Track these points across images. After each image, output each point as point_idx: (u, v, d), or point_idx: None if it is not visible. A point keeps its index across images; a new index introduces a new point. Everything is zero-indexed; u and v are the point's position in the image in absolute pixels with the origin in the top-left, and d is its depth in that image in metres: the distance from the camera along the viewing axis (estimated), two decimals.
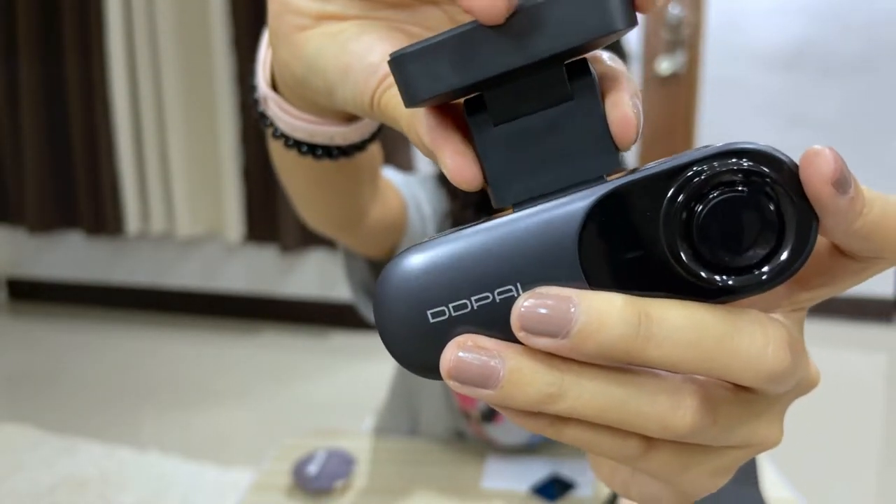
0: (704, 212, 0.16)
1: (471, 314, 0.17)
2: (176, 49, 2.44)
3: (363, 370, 2.20)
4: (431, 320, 0.17)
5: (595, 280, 0.17)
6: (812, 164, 0.15)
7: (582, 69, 0.18)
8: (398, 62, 0.18)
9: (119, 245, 2.84)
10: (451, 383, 0.17)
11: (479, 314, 0.17)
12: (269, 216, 2.50)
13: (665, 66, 2.44)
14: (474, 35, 0.17)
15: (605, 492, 0.69)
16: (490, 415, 0.75)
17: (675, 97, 2.47)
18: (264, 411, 2.00)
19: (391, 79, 0.22)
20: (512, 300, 0.17)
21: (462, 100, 0.19)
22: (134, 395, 2.12)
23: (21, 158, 2.73)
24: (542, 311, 0.16)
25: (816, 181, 0.15)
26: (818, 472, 1.62)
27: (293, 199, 0.50)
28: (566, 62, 0.18)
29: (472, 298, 0.17)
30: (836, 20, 2.40)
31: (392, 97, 0.23)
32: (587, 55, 0.19)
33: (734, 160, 0.16)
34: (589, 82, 0.18)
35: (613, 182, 0.17)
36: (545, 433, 0.18)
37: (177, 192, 2.54)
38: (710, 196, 0.16)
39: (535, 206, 0.17)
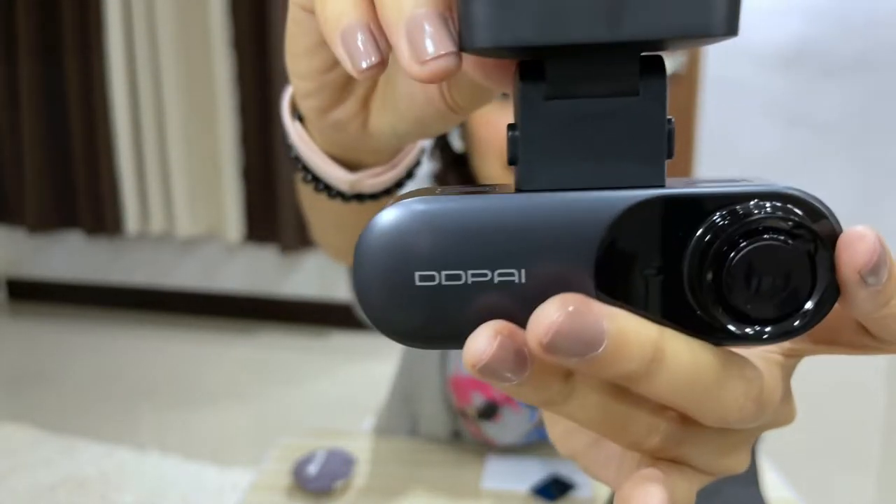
0: (743, 252, 0.15)
1: (462, 288, 0.16)
2: (176, 49, 2.44)
3: (363, 370, 2.20)
4: (417, 282, 0.16)
5: (603, 285, 0.16)
6: (850, 246, 0.15)
7: (657, 66, 0.17)
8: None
9: (118, 245, 2.84)
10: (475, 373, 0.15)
11: (471, 291, 0.16)
12: (268, 216, 2.50)
13: (665, 65, 2.43)
14: None
15: (604, 492, 0.69)
16: (486, 413, 0.75)
17: (674, 97, 2.47)
18: (264, 411, 2.00)
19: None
20: (510, 285, 0.16)
21: (517, 61, 0.17)
22: (134, 395, 2.12)
23: (20, 158, 2.73)
24: (575, 329, 0.14)
25: (846, 265, 0.15)
26: (818, 472, 1.62)
27: (320, 238, 0.52)
28: (644, 53, 0.16)
29: (469, 272, 0.16)
30: (837, 20, 2.40)
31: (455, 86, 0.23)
32: (664, 52, 0.17)
33: (787, 206, 0.15)
34: (659, 83, 0.16)
35: (659, 190, 0.16)
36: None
37: (176, 192, 2.54)
38: (755, 237, 0.15)
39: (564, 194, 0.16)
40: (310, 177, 0.33)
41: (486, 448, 0.78)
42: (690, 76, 2.45)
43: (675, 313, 0.16)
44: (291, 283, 2.67)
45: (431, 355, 0.78)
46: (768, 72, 2.47)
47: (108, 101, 2.54)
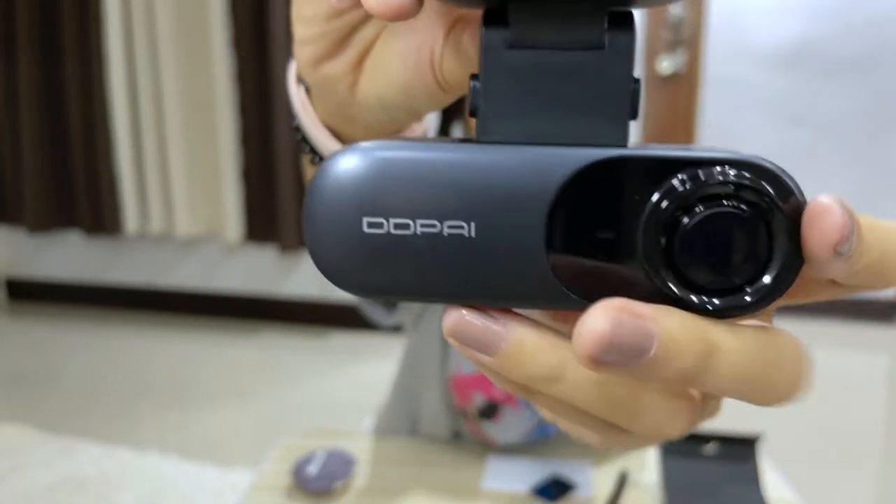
0: (699, 218, 0.14)
1: (410, 239, 0.15)
2: (175, 49, 2.44)
3: (363, 370, 2.19)
4: (365, 229, 0.15)
5: (553, 245, 0.15)
6: (817, 221, 0.14)
7: (625, 21, 0.16)
8: None
9: (118, 245, 2.84)
10: (451, 340, 0.16)
11: (419, 242, 0.15)
12: (268, 216, 2.50)
13: (666, 65, 2.43)
14: None
15: (604, 492, 0.69)
16: (487, 413, 0.75)
17: (675, 96, 2.47)
18: (264, 411, 2.00)
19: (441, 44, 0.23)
20: (459, 239, 0.15)
21: (482, 8, 0.17)
22: (133, 396, 2.12)
23: (20, 158, 2.72)
24: (625, 338, 0.14)
25: (816, 242, 0.14)
26: (818, 472, 1.62)
27: None
28: (612, 8, 0.16)
29: (419, 221, 0.15)
30: (837, 20, 2.40)
31: (449, 55, 0.23)
32: (634, 8, 0.17)
33: (750, 174, 0.14)
34: (627, 38, 0.16)
35: (617, 150, 0.15)
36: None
37: (176, 191, 2.53)
38: (712, 204, 0.14)
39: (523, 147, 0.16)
40: (307, 148, 0.34)
41: (486, 448, 0.78)
42: (690, 76, 2.45)
43: (624, 279, 0.15)
44: (291, 283, 2.67)
45: (432, 355, 0.77)
46: (768, 71, 2.47)
47: (108, 101, 2.53)
